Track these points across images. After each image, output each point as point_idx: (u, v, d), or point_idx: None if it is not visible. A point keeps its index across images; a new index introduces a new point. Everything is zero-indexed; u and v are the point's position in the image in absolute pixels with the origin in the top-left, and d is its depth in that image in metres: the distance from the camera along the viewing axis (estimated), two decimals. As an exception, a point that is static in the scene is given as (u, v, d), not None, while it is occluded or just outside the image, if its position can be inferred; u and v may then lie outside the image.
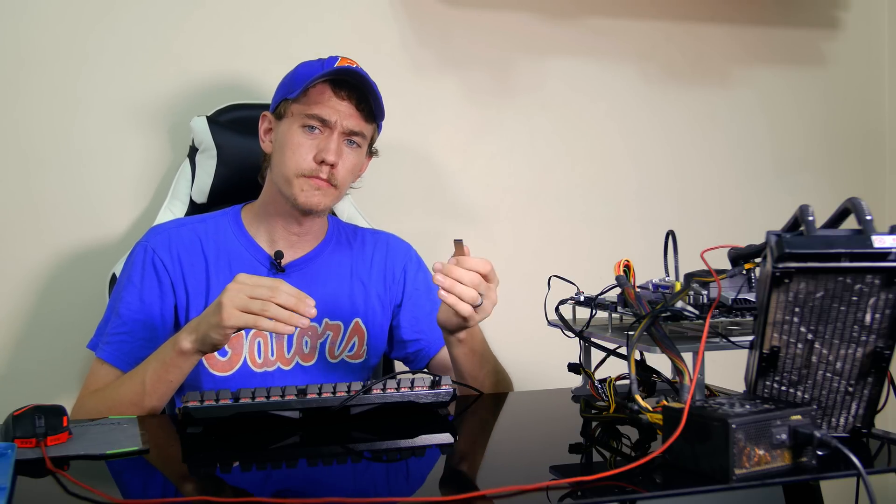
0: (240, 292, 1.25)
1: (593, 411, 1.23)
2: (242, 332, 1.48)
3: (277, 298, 1.24)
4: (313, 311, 1.25)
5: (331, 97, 1.48)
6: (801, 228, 0.97)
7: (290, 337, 1.51)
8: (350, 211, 1.81)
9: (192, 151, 1.75)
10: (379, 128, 1.57)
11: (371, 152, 1.58)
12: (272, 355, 1.50)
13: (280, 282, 1.26)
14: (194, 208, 1.72)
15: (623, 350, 1.12)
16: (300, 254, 1.56)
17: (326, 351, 1.54)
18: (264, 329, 1.25)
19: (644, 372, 1.20)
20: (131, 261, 1.51)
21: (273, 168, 1.52)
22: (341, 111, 1.48)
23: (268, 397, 1.19)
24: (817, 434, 0.90)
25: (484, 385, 1.48)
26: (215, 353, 1.47)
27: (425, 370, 1.60)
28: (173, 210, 1.71)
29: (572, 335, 1.23)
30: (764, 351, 0.99)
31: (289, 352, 1.51)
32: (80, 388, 1.48)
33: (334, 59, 1.49)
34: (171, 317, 1.50)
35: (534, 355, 1.97)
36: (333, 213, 1.77)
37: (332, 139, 1.47)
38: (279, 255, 1.52)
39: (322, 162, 1.46)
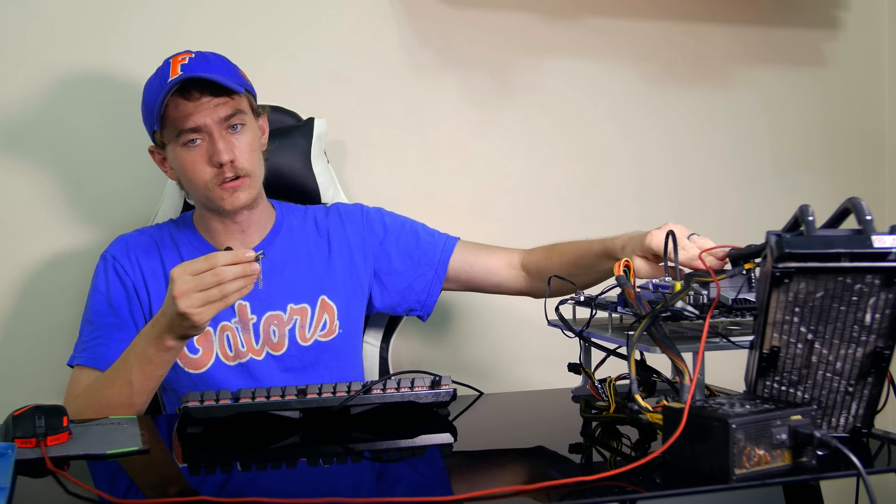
0: (189, 293, 1.23)
1: (593, 411, 1.23)
2: (210, 328, 1.50)
3: (226, 277, 1.23)
4: (255, 263, 1.24)
5: (185, 105, 1.43)
6: (801, 228, 0.97)
7: (256, 328, 1.52)
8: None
9: (189, 152, 1.75)
10: (251, 90, 1.54)
11: (260, 112, 1.55)
12: (242, 346, 1.51)
13: (213, 257, 1.24)
14: (188, 210, 1.72)
15: (623, 350, 1.13)
16: (250, 247, 1.56)
17: (297, 335, 1.54)
18: (234, 302, 1.25)
19: (644, 372, 1.20)
20: (96, 272, 1.55)
21: (188, 192, 1.55)
22: (203, 111, 1.43)
23: (268, 397, 1.19)
24: (817, 434, 0.90)
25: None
26: (187, 352, 1.49)
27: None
28: (167, 212, 1.72)
29: (572, 335, 1.23)
30: (764, 351, 0.99)
31: (257, 343, 1.52)
32: (79, 389, 1.49)
33: (167, 64, 1.46)
34: (140, 317, 1.52)
35: (534, 355, 1.97)
36: (325, 201, 1.76)
37: (214, 140, 1.44)
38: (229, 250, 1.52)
39: (220, 165, 1.44)
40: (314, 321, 1.56)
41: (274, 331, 1.53)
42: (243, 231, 1.56)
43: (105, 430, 1.17)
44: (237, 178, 1.46)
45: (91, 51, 1.83)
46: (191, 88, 1.43)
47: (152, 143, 1.53)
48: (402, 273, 1.63)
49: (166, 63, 1.47)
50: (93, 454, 1.06)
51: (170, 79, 1.42)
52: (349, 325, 1.59)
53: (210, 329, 1.50)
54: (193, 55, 1.47)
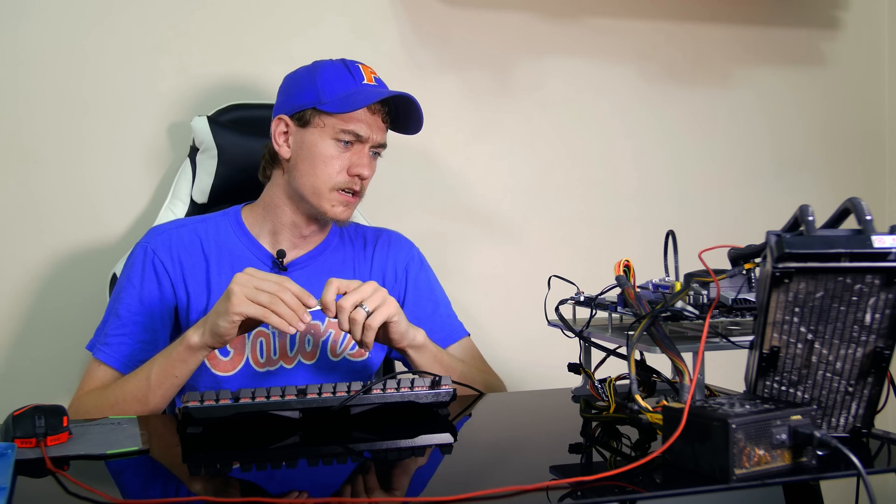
0: (249, 283, 1.28)
1: (593, 411, 1.23)
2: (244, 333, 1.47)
3: (283, 295, 1.27)
4: (308, 319, 1.29)
5: (366, 111, 1.49)
6: (801, 228, 0.97)
7: (294, 335, 1.51)
8: (350, 210, 1.82)
9: (193, 151, 1.75)
10: None
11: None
12: (275, 354, 1.50)
13: (286, 279, 1.30)
14: (195, 208, 1.72)
15: (623, 350, 1.13)
16: (302, 252, 1.57)
17: (328, 349, 1.54)
18: (270, 323, 1.27)
19: (644, 372, 1.20)
20: (131, 261, 1.51)
21: (297, 176, 1.50)
22: (374, 126, 1.50)
23: (268, 397, 1.19)
24: (817, 434, 0.90)
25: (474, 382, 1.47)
26: (217, 354, 1.47)
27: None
28: (174, 210, 1.71)
29: (572, 335, 1.23)
30: (764, 351, 0.99)
31: (291, 350, 1.51)
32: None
33: (356, 65, 1.50)
34: (170, 319, 1.50)
35: (534, 355, 1.97)
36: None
37: (363, 153, 1.49)
38: (281, 254, 1.52)
39: (356, 176, 1.48)
40: (346, 338, 1.55)
41: (309, 339, 1.53)
42: (305, 238, 1.56)
43: (105, 430, 1.17)
44: (354, 195, 1.50)
45: (92, 51, 1.83)
46: (380, 102, 1.49)
47: (287, 115, 1.51)
48: None
49: (354, 64, 1.51)
50: (93, 454, 1.06)
51: (364, 82, 1.49)
52: (375, 350, 1.58)
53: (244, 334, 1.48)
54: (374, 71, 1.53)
